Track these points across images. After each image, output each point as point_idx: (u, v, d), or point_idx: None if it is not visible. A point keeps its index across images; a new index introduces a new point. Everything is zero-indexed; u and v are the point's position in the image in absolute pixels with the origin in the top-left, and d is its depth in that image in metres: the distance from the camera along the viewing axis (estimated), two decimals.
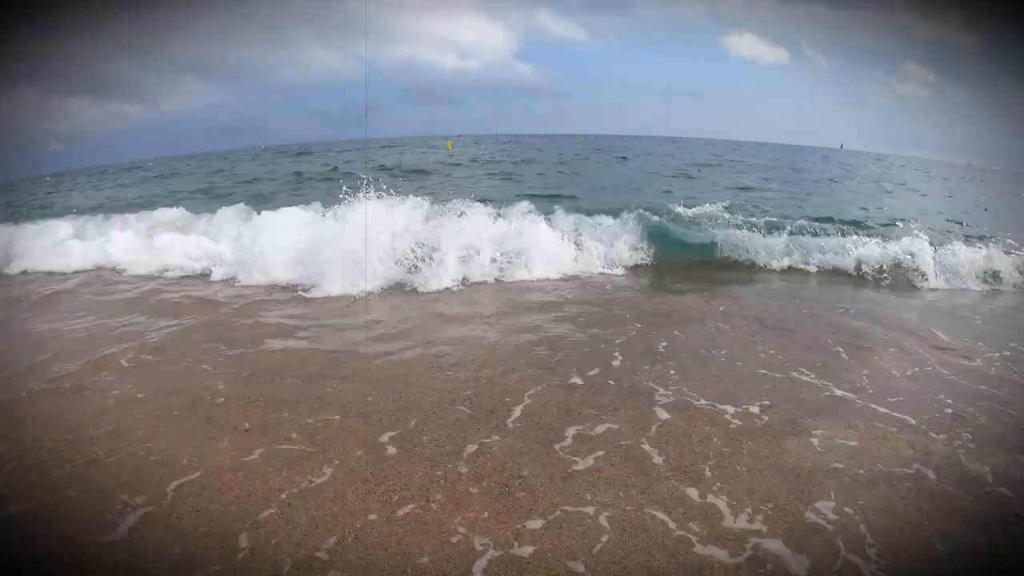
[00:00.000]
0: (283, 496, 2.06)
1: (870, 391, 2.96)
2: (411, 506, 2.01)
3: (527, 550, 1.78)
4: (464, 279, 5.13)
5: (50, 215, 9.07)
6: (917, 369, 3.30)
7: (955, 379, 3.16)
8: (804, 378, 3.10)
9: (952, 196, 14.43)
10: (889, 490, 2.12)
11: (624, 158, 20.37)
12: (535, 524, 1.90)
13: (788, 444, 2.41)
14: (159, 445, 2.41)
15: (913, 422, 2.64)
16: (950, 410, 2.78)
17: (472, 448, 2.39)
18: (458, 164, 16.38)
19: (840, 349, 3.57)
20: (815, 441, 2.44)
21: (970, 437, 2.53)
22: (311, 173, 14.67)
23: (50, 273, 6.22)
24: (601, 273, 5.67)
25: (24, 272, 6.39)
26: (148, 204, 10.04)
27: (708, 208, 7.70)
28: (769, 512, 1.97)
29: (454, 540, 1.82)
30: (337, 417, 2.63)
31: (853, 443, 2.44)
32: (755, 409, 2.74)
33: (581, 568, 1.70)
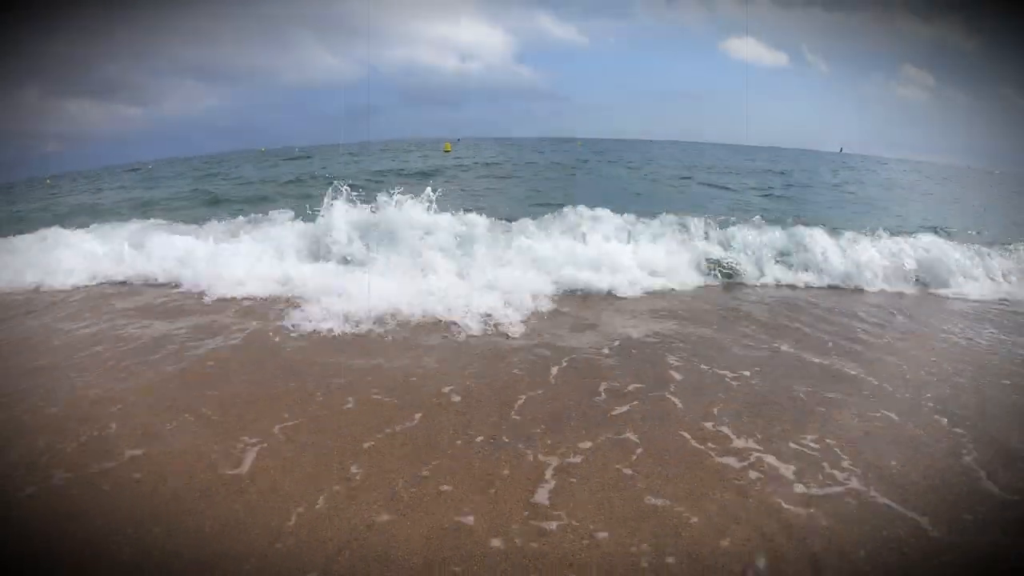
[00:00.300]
0: (379, 436, 2.56)
1: (846, 359, 3.55)
2: (481, 438, 2.53)
3: (578, 458, 2.33)
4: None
5: (44, 219, 8.78)
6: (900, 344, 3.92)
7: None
8: (786, 349, 3.70)
9: (960, 200, 14.35)
10: (859, 422, 2.70)
11: (631, 164, 20.17)
12: (585, 445, 2.44)
13: (774, 394, 2.98)
14: (268, 392, 2.90)
15: (876, 382, 3.23)
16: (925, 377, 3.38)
17: (521, 399, 2.92)
18: (465, 168, 16.61)
19: (825, 336, 4.17)
20: (800, 394, 3.01)
21: (931, 395, 3.10)
22: (318, 176, 14.85)
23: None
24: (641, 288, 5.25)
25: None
26: (145, 206, 10.14)
27: (736, 218, 7.20)
28: (761, 437, 2.53)
29: (529, 459, 2.34)
30: (415, 379, 3.16)
31: (831, 395, 3.01)
32: (747, 373, 3.31)
33: (628, 471, 2.24)
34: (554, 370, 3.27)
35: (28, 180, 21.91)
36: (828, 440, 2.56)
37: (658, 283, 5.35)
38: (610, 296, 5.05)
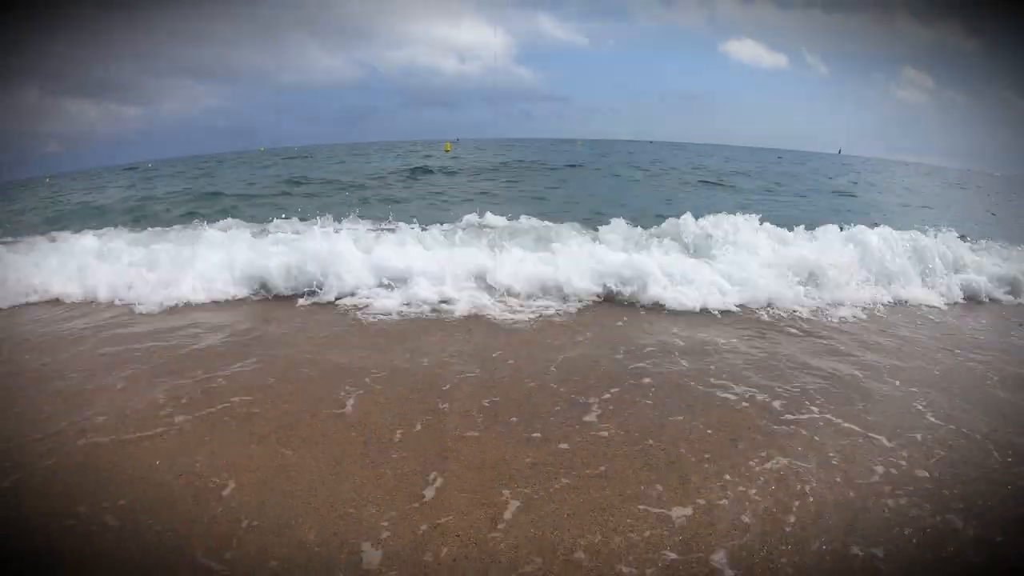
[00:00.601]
0: (453, 381, 3.18)
1: (831, 339, 4.27)
2: (534, 383, 3.17)
3: (610, 395, 3.02)
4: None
5: (45, 218, 9.10)
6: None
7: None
8: (766, 318, 4.40)
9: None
10: (832, 373, 3.40)
11: (635, 165, 20.24)
12: (615, 388, 3.09)
13: (759, 357, 3.68)
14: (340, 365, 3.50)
15: (844, 348, 3.95)
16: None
17: (561, 357, 3.57)
18: (473, 169, 16.90)
19: (816, 325, 4.88)
20: (787, 366, 3.70)
21: (897, 372, 3.81)
22: (318, 179, 15.01)
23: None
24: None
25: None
26: (144, 208, 10.57)
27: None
28: (753, 383, 3.22)
29: (573, 396, 2.99)
30: (470, 347, 3.81)
31: (816, 376, 3.71)
32: (742, 346, 4.00)
33: (649, 402, 2.91)
34: (580, 339, 3.93)
35: (28, 180, 21.97)
36: (808, 386, 3.25)
37: (683, 297, 4.93)
38: (631, 304, 5.03)
